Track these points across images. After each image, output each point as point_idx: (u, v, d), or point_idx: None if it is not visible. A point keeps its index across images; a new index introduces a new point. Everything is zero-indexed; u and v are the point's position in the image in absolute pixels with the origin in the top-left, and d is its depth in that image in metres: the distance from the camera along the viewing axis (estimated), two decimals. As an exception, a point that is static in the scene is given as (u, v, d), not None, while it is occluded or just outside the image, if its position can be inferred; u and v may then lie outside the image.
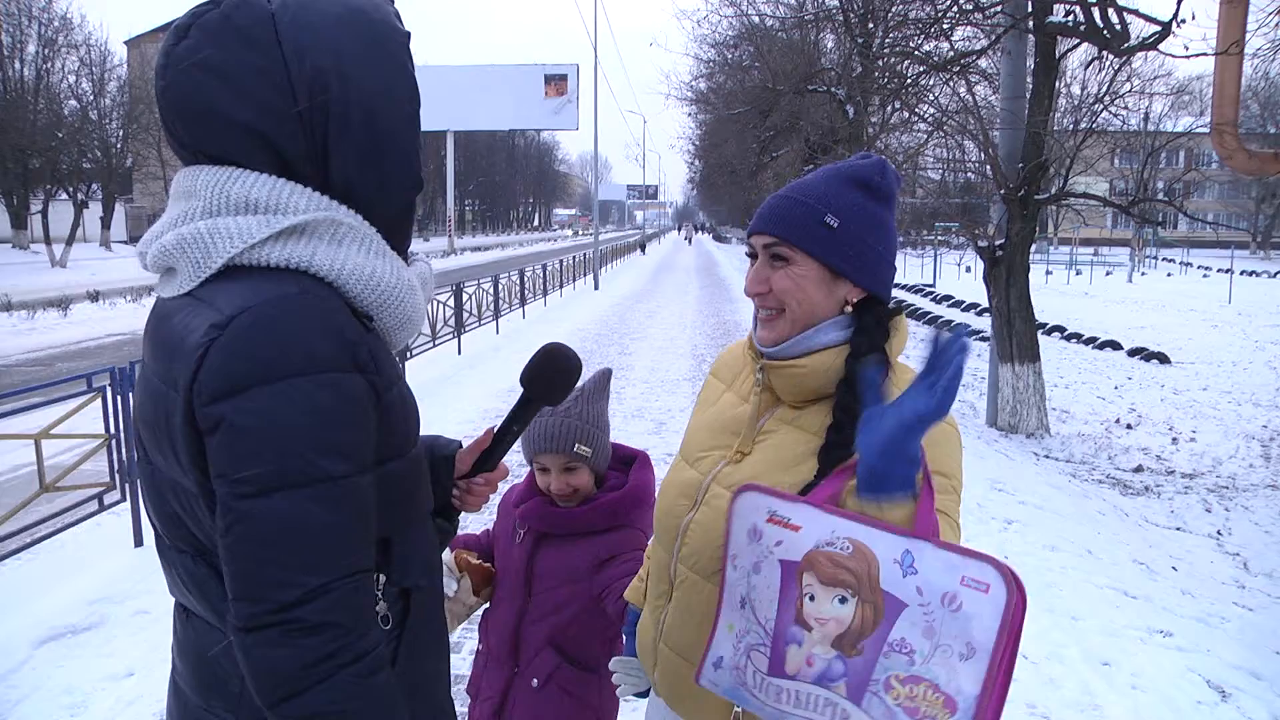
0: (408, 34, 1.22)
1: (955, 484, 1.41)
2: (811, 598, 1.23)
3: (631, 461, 2.15)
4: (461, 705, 2.20)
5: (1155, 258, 48.68)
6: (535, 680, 2.03)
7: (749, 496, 1.32)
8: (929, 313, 20.81)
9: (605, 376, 2.12)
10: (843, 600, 1.20)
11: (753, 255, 1.49)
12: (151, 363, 1.15)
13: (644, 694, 1.74)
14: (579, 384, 2.08)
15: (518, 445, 1.61)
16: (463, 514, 1.51)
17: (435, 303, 11.56)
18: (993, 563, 1.12)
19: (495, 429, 1.47)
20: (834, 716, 1.19)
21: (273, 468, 1.01)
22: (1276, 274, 39.47)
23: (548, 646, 2.03)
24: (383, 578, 1.17)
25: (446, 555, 2.14)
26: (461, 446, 1.49)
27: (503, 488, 2.00)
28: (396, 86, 1.18)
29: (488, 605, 2.18)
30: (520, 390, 1.47)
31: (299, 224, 1.11)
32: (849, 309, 1.45)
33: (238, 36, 1.10)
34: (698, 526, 1.49)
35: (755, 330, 1.52)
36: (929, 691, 1.12)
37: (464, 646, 3.82)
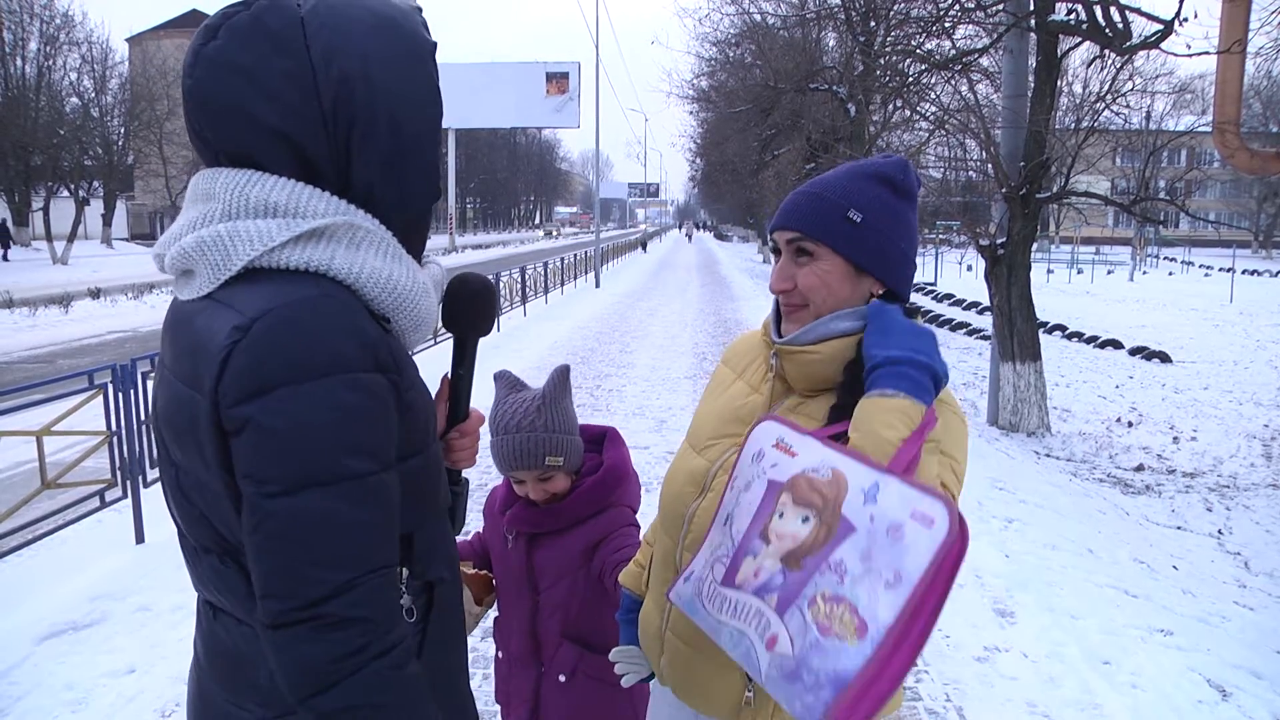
0: (434, 44, 1.23)
1: (959, 466, 1.42)
2: (781, 515, 1.26)
3: (601, 439, 2.14)
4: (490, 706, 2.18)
5: (1157, 257, 48.67)
6: (562, 676, 2.03)
7: (767, 424, 1.37)
8: (930, 311, 20.81)
9: (563, 374, 2.08)
10: (805, 520, 1.23)
11: (777, 251, 1.50)
12: (173, 364, 1.16)
13: (649, 678, 1.75)
14: (540, 389, 2.05)
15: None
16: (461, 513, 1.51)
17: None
18: (944, 502, 1.13)
19: (448, 376, 1.47)
20: (759, 626, 1.21)
21: (299, 467, 1.03)
22: (1278, 273, 39.45)
23: (565, 640, 2.04)
24: (405, 572, 1.19)
25: None
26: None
27: (486, 479, 1.98)
28: (421, 95, 1.19)
29: (495, 613, 2.18)
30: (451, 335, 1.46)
31: (318, 228, 1.12)
32: (872, 301, 1.46)
33: (267, 39, 1.11)
34: (704, 513, 1.50)
35: (778, 323, 1.52)
36: (847, 613, 1.13)
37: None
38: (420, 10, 1.25)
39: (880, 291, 1.46)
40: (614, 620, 2.00)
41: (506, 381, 2.09)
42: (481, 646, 3.69)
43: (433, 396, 1.29)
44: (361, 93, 1.14)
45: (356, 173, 1.17)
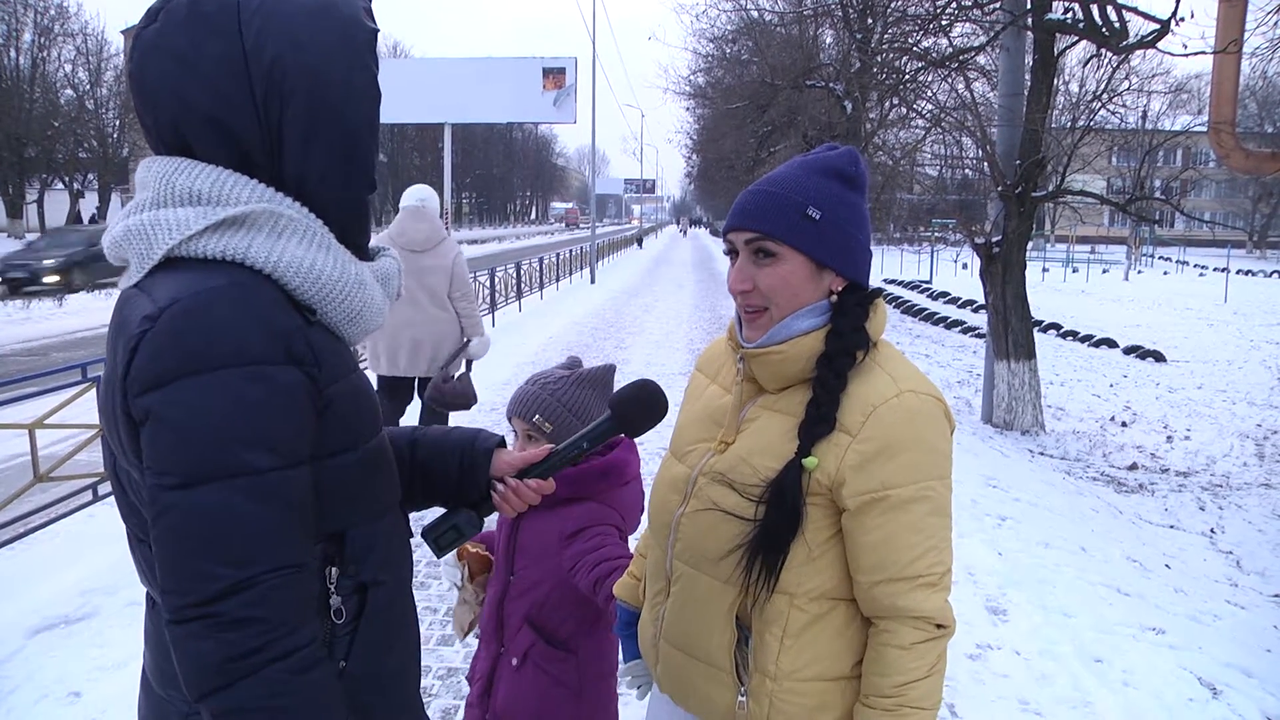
0: (374, 31, 1.21)
1: (929, 460, 1.39)
2: None
3: (616, 444, 2.16)
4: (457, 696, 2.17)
5: (1152, 256, 48.72)
6: (514, 660, 2.05)
7: None
8: (925, 309, 20.83)
9: (605, 371, 2.13)
10: None
11: (731, 252, 1.48)
12: (107, 353, 1.15)
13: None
14: (584, 369, 2.11)
15: None
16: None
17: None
18: None
19: (555, 447, 1.50)
20: None
21: (196, 460, 1.01)
22: (1272, 273, 39.55)
23: (525, 624, 2.05)
24: (335, 571, 1.16)
25: None
26: (504, 443, 1.50)
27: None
28: (356, 81, 1.17)
29: None
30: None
31: (237, 215, 1.10)
32: (833, 298, 1.46)
33: (202, 23, 1.10)
34: (688, 520, 1.50)
35: (740, 329, 1.52)
36: None
37: (431, 638, 3.83)
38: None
39: (840, 287, 1.45)
40: (575, 619, 2.03)
41: (569, 361, 2.18)
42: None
43: (375, 393, 1.26)
44: (294, 79, 1.12)
45: (288, 161, 1.15)
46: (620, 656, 1.82)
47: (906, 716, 1.35)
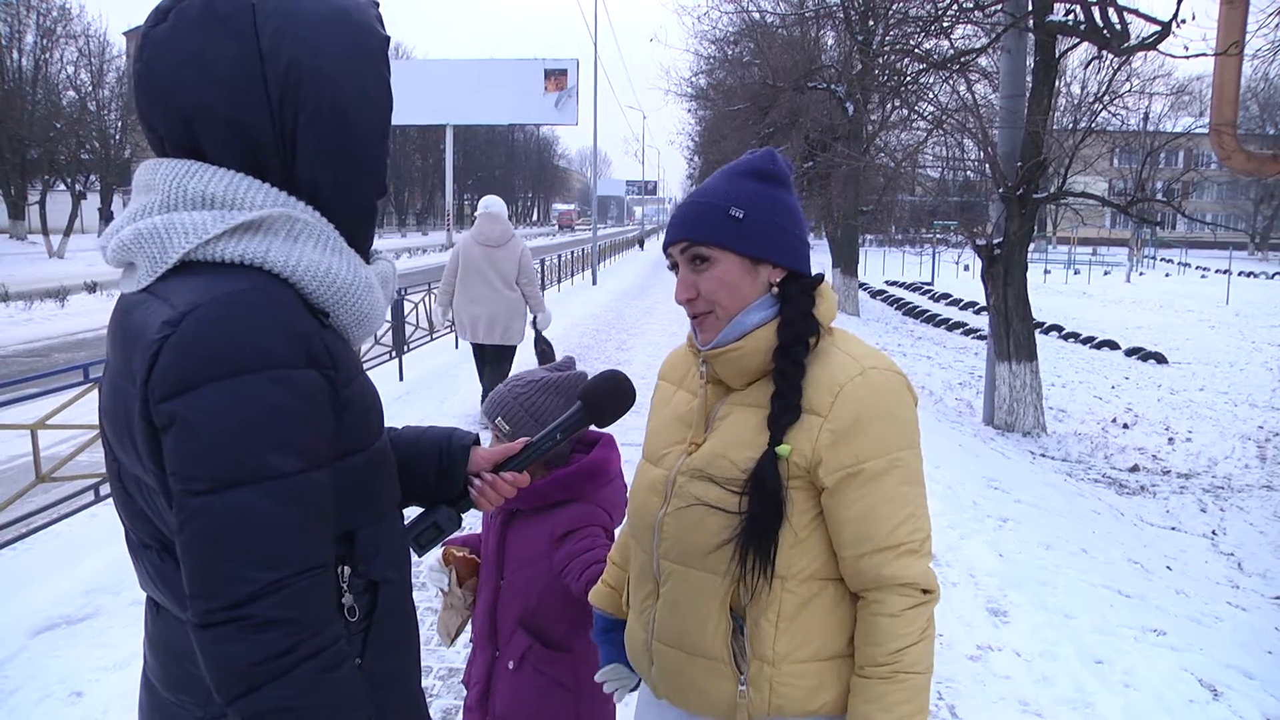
0: (387, 38, 1.22)
1: (897, 431, 1.44)
2: None
3: (596, 442, 2.17)
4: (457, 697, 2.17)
5: (1153, 258, 48.71)
6: (511, 663, 2.05)
7: None
8: (926, 310, 20.83)
9: (575, 378, 2.12)
10: None
11: (674, 266, 1.56)
12: (113, 358, 1.15)
13: (634, 688, 1.76)
14: (563, 374, 2.10)
15: None
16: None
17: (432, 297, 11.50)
18: None
19: (530, 440, 1.53)
20: None
21: (223, 465, 1.01)
22: (1274, 275, 39.52)
23: (519, 628, 2.05)
24: (348, 570, 1.17)
25: (435, 551, 2.16)
26: (479, 441, 1.51)
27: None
28: (370, 88, 1.18)
29: None
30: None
31: (254, 219, 1.10)
32: (774, 290, 1.52)
33: (216, 23, 1.10)
34: (671, 519, 1.53)
35: (695, 335, 1.58)
36: None
37: (433, 639, 3.82)
38: (376, 5, 1.24)
39: (779, 278, 1.51)
40: (568, 620, 2.03)
41: (564, 361, 2.20)
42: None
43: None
44: (308, 83, 1.12)
45: (301, 165, 1.15)
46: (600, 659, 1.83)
47: (903, 682, 1.38)
